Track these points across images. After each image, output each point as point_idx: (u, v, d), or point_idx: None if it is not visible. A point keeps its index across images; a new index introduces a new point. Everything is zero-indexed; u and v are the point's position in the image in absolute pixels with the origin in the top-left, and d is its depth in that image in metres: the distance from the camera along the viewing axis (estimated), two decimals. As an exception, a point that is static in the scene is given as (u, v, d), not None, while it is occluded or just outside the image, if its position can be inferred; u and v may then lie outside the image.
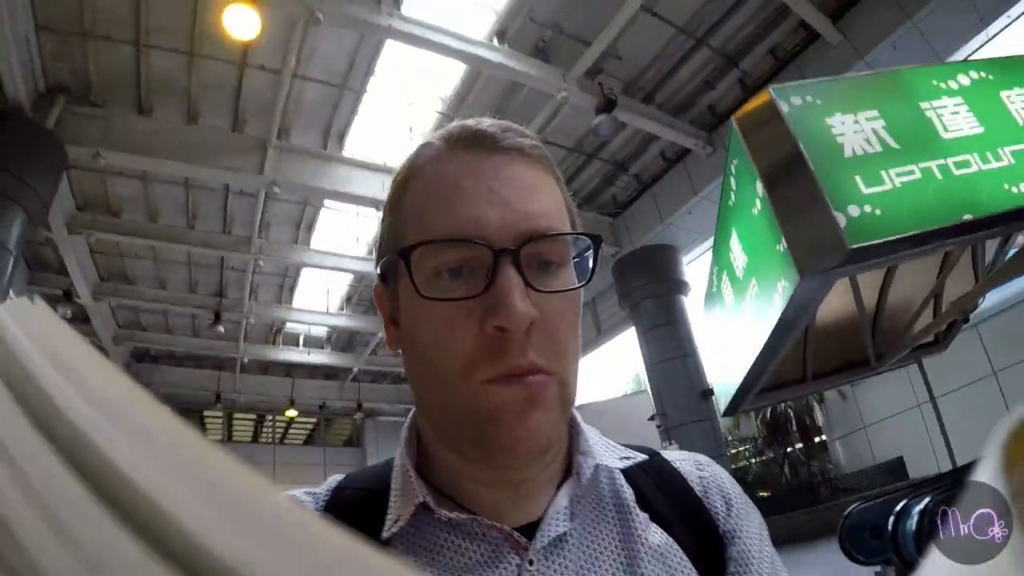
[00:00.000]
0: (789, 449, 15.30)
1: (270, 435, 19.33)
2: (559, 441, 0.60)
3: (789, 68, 7.83)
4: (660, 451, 0.70)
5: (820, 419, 14.36)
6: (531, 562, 0.55)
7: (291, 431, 19.64)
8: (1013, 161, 2.75)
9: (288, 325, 13.73)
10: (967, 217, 2.58)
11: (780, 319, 3.17)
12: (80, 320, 11.12)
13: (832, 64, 7.26)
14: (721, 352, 5.23)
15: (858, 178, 2.65)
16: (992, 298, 7.92)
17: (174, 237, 9.61)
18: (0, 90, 6.47)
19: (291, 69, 7.03)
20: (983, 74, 3.08)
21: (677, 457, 0.70)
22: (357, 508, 0.60)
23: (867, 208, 2.58)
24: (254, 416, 18.75)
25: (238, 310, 11.75)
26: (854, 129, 2.78)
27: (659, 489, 0.64)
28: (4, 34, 5.75)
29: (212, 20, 6.23)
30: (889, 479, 10.81)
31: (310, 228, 10.42)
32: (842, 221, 2.55)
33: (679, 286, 10.14)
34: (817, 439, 15.12)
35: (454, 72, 7.82)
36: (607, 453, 0.64)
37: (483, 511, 0.57)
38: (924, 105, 2.89)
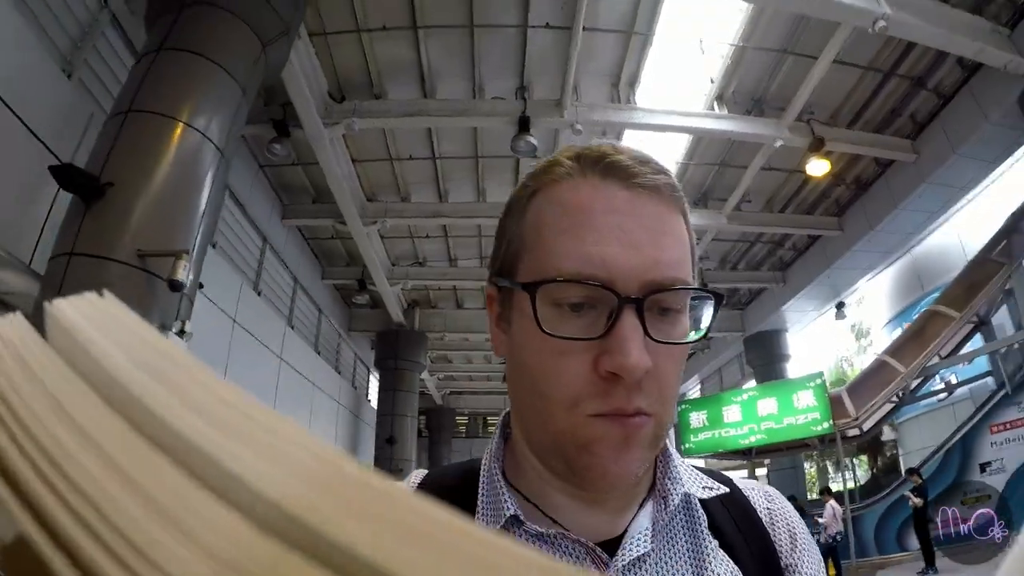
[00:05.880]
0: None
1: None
2: (647, 471, 0.61)
3: (815, 246, 12.60)
4: (733, 479, 0.72)
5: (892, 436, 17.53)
6: None
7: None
8: (747, 431, 8.63)
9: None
10: (720, 450, 8.58)
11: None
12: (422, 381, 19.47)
13: (836, 248, 12.02)
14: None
15: (691, 435, 8.79)
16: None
17: (478, 346, 16.87)
18: (390, 319, 13.84)
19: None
20: (753, 393, 8.94)
21: (747, 486, 0.72)
22: None
23: (690, 445, 8.77)
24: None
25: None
26: (695, 418, 8.84)
27: (731, 517, 0.66)
28: (388, 294, 12.61)
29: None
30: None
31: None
32: (684, 448, 8.74)
33: (784, 358, 15.22)
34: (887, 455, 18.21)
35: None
36: (691, 481, 0.65)
37: (565, 521, 0.59)
38: (724, 408, 8.89)
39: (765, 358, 14.80)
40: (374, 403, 15.62)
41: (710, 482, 0.67)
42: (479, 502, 0.61)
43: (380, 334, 14.30)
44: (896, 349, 11.03)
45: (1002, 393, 10.63)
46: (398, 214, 10.28)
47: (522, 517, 0.58)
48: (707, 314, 0.61)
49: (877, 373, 10.92)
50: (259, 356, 9.43)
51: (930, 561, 9.24)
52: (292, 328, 11.03)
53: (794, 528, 0.68)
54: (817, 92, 8.30)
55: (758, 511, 0.68)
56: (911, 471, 10.36)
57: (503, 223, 0.65)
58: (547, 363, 0.55)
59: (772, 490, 0.73)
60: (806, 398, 10.76)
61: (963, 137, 8.92)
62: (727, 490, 0.67)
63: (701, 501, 0.64)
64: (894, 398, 10.99)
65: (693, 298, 0.59)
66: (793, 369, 14.92)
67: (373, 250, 10.89)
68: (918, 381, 11.52)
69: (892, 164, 10.29)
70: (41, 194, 4.97)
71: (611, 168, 0.58)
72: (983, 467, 10.65)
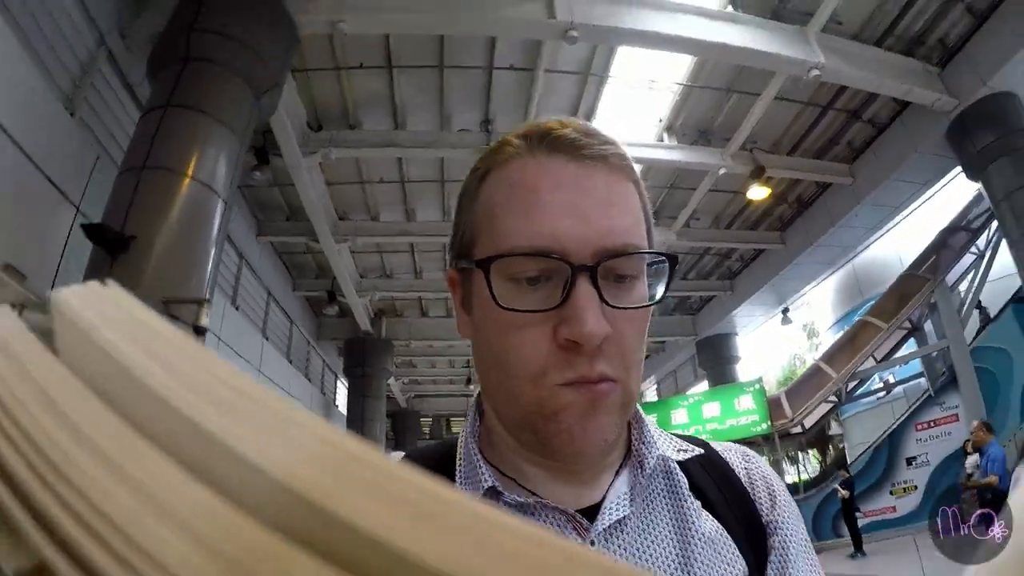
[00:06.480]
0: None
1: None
2: (618, 438, 0.60)
3: (761, 258, 13.53)
4: (709, 442, 0.73)
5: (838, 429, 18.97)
6: (592, 543, 0.57)
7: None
8: (693, 432, 9.47)
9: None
10: (673, 452, 9.55)
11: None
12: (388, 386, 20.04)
13: (779, 260, 12.93)
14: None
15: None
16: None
17: (441, 352, 17.45)
18: (357, 327, 14.27)
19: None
20: (699, 398, 9.75)
21: (724, 448, 0.72)
22: None
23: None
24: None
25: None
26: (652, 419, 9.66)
27: (710, 478, 0.66)
28: (357, 305, 13.10)
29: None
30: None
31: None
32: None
33: (735, 360, 16.14)
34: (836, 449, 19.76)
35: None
36: (666, 444, 0.66)
37: (544, 492, 0.59)
38: (672, 411, 9.65)
39: (716, 360, 15.59)
40: (342, 409, 16.08)
41: (685, 445, 0.68)
42: (457, 477, 0.62)
43: (348, 342, 14.77)
44: (830, 356, 12.05)
45: (926, 394, 11.68)
46: (367, 232, 10.80)
47: (500, 488, 0.59)
48: (664, 277, 0.60)
49: (812, 378, 11.95)
50: (242, 369, 9.83)
51: (858, 546, 10.25)
52: (267, 339, 11.47)
53: (773, 486, 0.69)
54: (760, 125, 9.07)
55: (736, 471, 0.69)
56: (840, 466, 11.34)
57: (459, 207, 0.65)
58: (508, 338, 0.56)
59: (748, 450, 0.74)
60: (746, 402, 11.97)
61: (895, 164, 9.75)
62: (702, 451, 0.68)
63: (680, 464, 0.65)
64: (831, 399, 11.98)
65: (650, 264, 0.59)
66: (743, 370, 15.93)
67: (343, 264, 11.38)
68: (855, 383, 12.56)
69: (830, 186, 11.15)
70: (55, 237, 5.39)
71: (557, 143, 0.58)
72: (909, 461, 11.70)
